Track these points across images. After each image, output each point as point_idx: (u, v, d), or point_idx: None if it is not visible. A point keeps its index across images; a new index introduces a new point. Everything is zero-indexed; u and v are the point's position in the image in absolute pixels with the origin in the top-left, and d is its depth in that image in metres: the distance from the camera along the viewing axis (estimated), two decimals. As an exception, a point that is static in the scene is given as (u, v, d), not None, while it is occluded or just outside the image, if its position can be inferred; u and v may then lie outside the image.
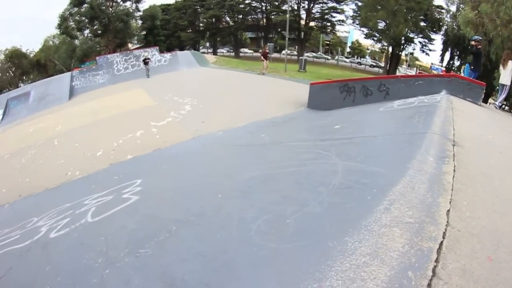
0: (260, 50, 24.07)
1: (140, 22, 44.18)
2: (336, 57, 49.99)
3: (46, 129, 11.66)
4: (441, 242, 1.86)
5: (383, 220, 2.13)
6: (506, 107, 19.11)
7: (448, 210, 2.21)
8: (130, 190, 4.73)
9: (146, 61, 20.75)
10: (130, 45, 44.65)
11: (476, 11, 17.02)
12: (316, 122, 7.89)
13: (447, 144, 3.55)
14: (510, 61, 9.44)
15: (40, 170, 7.70)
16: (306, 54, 47.33)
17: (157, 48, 23.68)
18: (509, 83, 9.41)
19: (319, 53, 52.58)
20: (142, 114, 11.10)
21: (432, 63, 45.59)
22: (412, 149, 3.45)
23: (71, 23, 36.72)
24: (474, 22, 16.84)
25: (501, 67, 9.69)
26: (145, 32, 44.03)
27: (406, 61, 53.17)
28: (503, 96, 9.62)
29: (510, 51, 11.43)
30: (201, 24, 53.00)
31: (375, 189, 2.72)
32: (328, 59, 49.01)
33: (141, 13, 42.41)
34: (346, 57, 53.12)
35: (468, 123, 5.30)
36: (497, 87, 10.39)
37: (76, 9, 36.08)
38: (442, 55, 32.39)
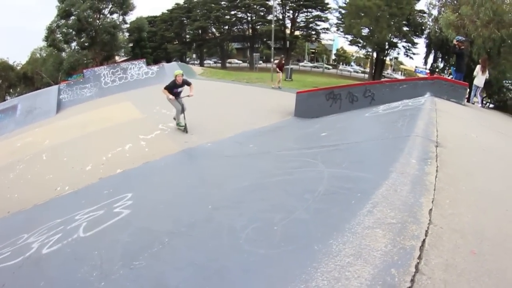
0: (275, 61, 22.47)
1: (127, 34, 44.00)
2: (340, 67, 50.93)
3: (34, 143, 11.48)
4: (424, 240, 1.92)
5: (366, 222, 2.19)
6: (491, 105, 19.74)
7: (431, 209, 2.28)
8: (121, 204, 4.72)
9: (178, 90, 9.25)
10: (117, 58, 44.40)
11: (457, 13, 17.47)
12: (303, 131, 8.00)
13: (430, 145, 3.63)
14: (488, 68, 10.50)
15: (29, 185, 7.59)
16: (301, 64, 48.11)
17: (144, 60, 23.65)
18: (482, 85, 10.80)
19: (308, 62, 53.42)
20: (131, 127, 11.07)
21: (416, 66, 46.45)
22: (396, 152, 3.52)
23: (58, 36, 36.42)
24: (455, 24, 17.25)
25: (479, 71, 10.54)
26: (132, 45, 43.86)
27: (391, 65, 54.22)
28: (478, 95, 10.96)
29: (487, 57, 12.39)
30: (187, 36, 53.25)
31: (359, 193, 2.79)
32: (329, 68, 49.84)
33: (128, 26, 42.29)
34: (351, 66, 54.24)
35: (452, 123, 5.44)
36: (479, 86, 11.20)
37: (63, 21, 35.81)
38: (426, 58, 32.98)
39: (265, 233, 2.61)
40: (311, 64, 51.38)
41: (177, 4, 51.17)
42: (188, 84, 9.26)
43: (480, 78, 10.70)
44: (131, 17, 41.95)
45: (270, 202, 3.37)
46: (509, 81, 19.40)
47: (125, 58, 43.00)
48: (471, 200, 2.60)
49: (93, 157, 8.45)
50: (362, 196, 2.68)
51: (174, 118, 9.76)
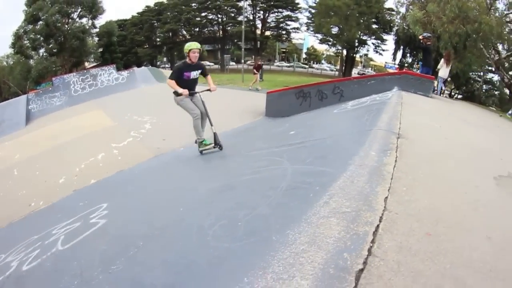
0: (248, 61, 22.15)
1: (96, 39, 42.86)
2: (318, 65, 51.83)
3: (4, 158, 11.13)
4: (378, 225, 2.03)
5: (321, 212, 2.32)
6: (460, 96, 20.86)
7: (386, 197, 2.39)
8: (97, 214, 4.72)
9: (191, 75, 6.31)
10: (86, 64, 43.28)
11: (424, 10, 18.34)
12: (273, 130, 8.15)
13: (392, 137, 3.83)
14: (452, 61, 11.71)
15: (1, 203, 7.37)
16: (276, 64, 48.47)
17: (114, 66, 23.25)
18: (446, 77, 11.94)
19: (282, 62, 53.97)
20: (102, 135, 10.97)
21: (386, 62, 47.79)
22: (357, 146, 3.70)
23: (25, 42, 35.19)
24: (422, 21, 18.08)
25: (443, 64, 11.61)
26: (101, 50, 42.82)
27: (361, 62, 55.57)
28: (442, 85, 12.05)
29: (450, 51, 13.65)
30: (158, 39, 52.60)
31: (318, 186, 2.94)
32: (305, 67, 50.93)
33: (97, 30, 41.21)
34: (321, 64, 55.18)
35: (416, 115, 5.64)
36: (449, 79, 12.21)
37: (31, 26, 34.63)
38: (395, 54, 34.63)
39: (230, 229, 2.78)
40: (287, 64, 51.91)
41: (147, 6, 50.44)
42: (205, 72, 6.40)
43: (444, 70, 11.78)
44: (100, 21, 41.06)
45: (236, 200, 3.53)
46: (475, 73, 20.74)
47: (94, 64, 41.97)
48: (428, 186, 2.74)
49: (66, 168, 8.36)
50: (320, 189, 2.83)
51: (196, 142, 6.68)
